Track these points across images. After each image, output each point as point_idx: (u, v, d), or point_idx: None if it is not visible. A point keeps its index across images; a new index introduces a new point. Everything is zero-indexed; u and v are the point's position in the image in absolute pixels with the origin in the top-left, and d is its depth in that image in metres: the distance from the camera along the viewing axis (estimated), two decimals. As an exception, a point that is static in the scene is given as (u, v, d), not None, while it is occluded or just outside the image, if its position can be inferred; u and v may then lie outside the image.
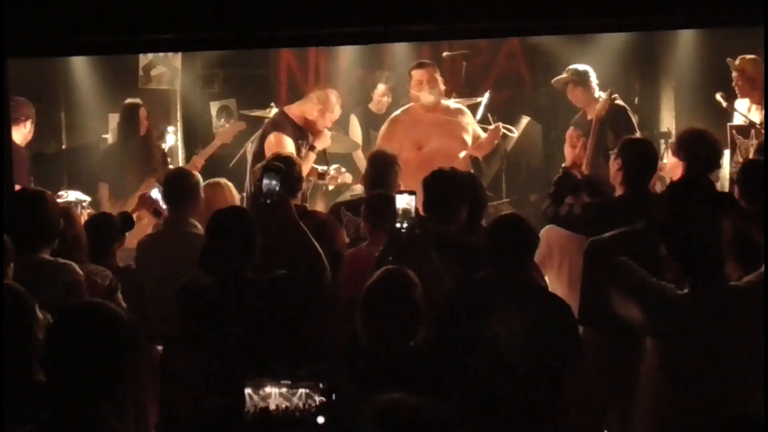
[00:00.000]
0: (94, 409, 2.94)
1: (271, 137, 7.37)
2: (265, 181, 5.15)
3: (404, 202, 4.68)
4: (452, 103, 7.86)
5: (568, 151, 6.41)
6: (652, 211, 4.86)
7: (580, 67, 8.01)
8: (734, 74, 7.91)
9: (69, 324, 2.99)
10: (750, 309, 4.02)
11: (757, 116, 7.74)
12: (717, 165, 6.08)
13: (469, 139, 7.71)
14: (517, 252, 4.57)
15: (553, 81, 8.16)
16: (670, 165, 6.08)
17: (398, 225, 4.67)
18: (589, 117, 7.89)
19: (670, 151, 6.14)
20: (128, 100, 8.63)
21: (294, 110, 7.58)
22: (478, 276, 4.65)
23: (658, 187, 6.20)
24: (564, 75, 7.99)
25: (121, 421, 3.09)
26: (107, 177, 8.21)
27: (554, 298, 4.68)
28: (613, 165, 5.74)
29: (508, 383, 4.31)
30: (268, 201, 5.10)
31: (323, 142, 7.50)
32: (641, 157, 5.67)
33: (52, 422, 2.93)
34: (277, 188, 5.12)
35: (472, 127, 7.78)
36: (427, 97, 7.55)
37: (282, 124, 7.45)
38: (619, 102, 7.84)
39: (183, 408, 4.69)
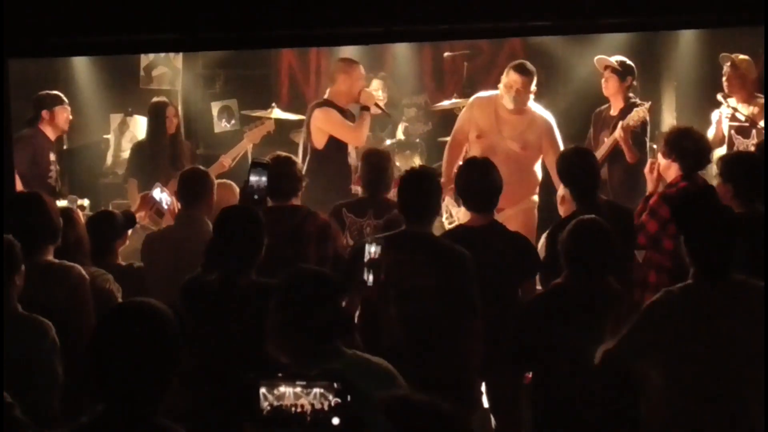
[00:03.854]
0: (149, 408, 2.93)
1: (317, 112, 7.47)
2: (253, 178, 5.14)
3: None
4: (536, 107, 7.59)
5: (649, 177, 6.40)
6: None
7: (629, 62, 8.01)
8: (726, 69, 7.95)
9: (119, 324, 2.96)
10: (751, 304, 4.06)
11: (741, 114, 7.82)
12: (708, 160, 6.13)
13: (534, 149, 7.45)
14: (597, 258, 4.65)
15: (597, 58, 8.11)
16: (663, 166, 6.11)
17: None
18: (612, 112, 7.92)
19: (660, 154, 6.16)
20: (155, 99, 8.74)
21: (330, 94, 7.67)
22: (554, 282, 4.75)
23: (660, 188, 6.21)
24: (610, 60, 7.97)
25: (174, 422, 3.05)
26: (137, 173, 8.28)
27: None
28: (560, 194, 5.86)
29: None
30: (256, 197, 5.10)
31: (369, 99, 7.64)
32: (574, 166, 5.73)
33: (106, 419, 2.90)
34: (265, 184, 5.13)
35: (543, 138, 7.47)
36: (508, 102, 7.39)
37: (326, 103, 7.58)
38: (647, 117, 7.83)
39: (181, 406, 4.69)
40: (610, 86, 7.92)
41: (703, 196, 5.33)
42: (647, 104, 7.69)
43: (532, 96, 7.46)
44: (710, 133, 7.85)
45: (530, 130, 7.43)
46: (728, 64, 7.95)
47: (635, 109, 7.60)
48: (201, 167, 6.42)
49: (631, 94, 7.92)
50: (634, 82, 7.97)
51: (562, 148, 7.44)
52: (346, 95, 7.59)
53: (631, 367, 4.25)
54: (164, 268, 5.68)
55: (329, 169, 7.18)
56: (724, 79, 7.98)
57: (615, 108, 7.92)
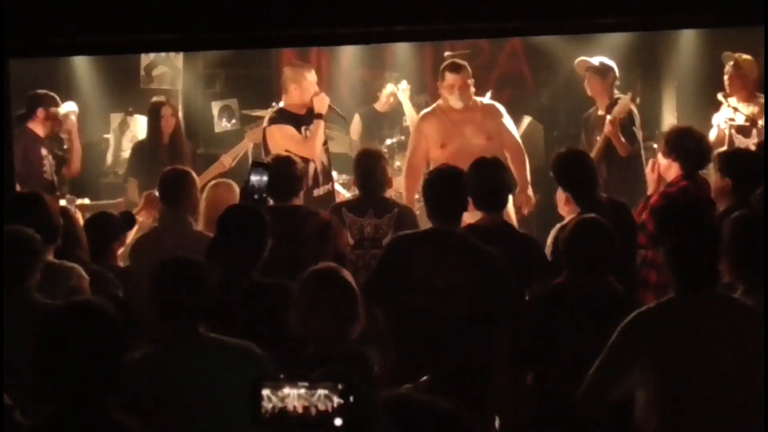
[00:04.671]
0: (100, 403, 2.95)
1: (272, 129, 7.44)
2: (254, 177, 5.14)
3: None
4: (485, 100, 7.76)
5: (649, 177, 6.43)
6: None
7: (609, 61, 8.08)
8: (728, 68, 7.94)
9: (58, 324, 2.98)
10: (735, 319, 3.92)
11: (741, 115, 7.81)
12: (708, 159, 6.13)
13: (497, 136, 7.52)
14: (597, 257, 4.63)
15: (576, 61, 8.17)
16: (664, 166, 6.11)
17: None
18: (599, 112, 7.94)
19: (660, 154, 6.17)
20: (153, 99, 8.74)
21: (285, 103, 7.65)
22: (555, 282, 4.74)
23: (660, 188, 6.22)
24: (590, 60, 8.02)
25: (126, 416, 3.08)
26: (137, 173, 8.28)
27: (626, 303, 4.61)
28: (560, 196, 5.85)
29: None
30: (256, 197, 5.10)
31: (321, 106, 7.52)
32: (569, 169, 5.73)
33: (57, 419, 2.93)
34: (266, 184, 5.12)
35: (501, 124, 7.59)
36: (456, 102, 7.48)
37: (277, 118, 7.53)
38: (632, 107, 7.88)
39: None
40: (593, 86, 8.02)
41: (685, 209, 5.30)
42: (629, 94, 7.74)
43: (472, 89, 7.57)
44: (712, 135, 7.86)
45: (487, 119, 7.55)
46: (731, 63, 7.93)
47: (619, 101, 7.68)
48: (181, 167, 6.40)
49: (615, 91, 7.97)
50: (617, 81, 8.00)
51: (515, 133, 7.67)
52: (299, 104, 7.55)
53: (613, 393, 4.02)
54: (149, 269, 5.66)
55: None
56: (725, 77, 7.96)
57: (602, 107, 7.98)
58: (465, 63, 7.71)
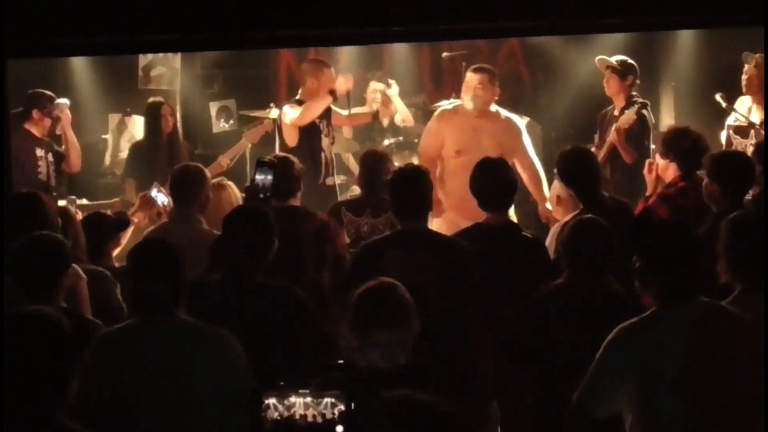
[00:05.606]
0: (45, 409, 2.99)
1: (285, 109, 7.79)
2: (259, 176, 5.13)
3: None
4: (503, 111, 7.63)
5: (647, 178, 6.43)
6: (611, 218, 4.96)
7: (630, 60, 8.04)
8: (748, 68, 7.85)
9: (7, 332, 3.02)
10: (725, 330, 3.81)
11: (756, 117, 7.74)
12: None
13: (511, 153, 7.32)
14: (596, 257, 4.64)
15: (597, 58, 8.15)
16: (661, 167, 6.11)
17: None
18: (615, 112, 7.93)
19: (658, 155, 6.16)
20: (151, 99, 8.76)
21: (302, 95, 7.88)
22: (555, 283, 4.75)
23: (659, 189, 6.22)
24: (610, 60, 8.01)
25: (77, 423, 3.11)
26: (135, 173, 8.28)
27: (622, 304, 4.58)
28: (552, 197, 5.83)
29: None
30: (261, 196, 5.09)
31: (341, 85, 7.92)
32: (573, 167, 5.73)
33: (5, 423, 2.97)
34: (271, 183, 5.12)
35: (519, 142, 7.53)
36: (467, 102, 7.40)
37: (293, 104, 7.85)
38: (644, 111, 7.82)
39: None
40: (611, 86, 7.95)
41: (654, 223, 5.26)
42: (636, 107, 7.68)
43: (495, 97, 7.48)
44: (723, 136, 7.83)
45: (506, 134, 7.49)
46: (752, 63, 7.84)
47: (626, 111, 7.63)
48: (194, 164, 6.40)
49: (634, 93, 7.91)
50: (637, 81, 7.96)
51: (531, 151, 7.61)
52: (316, 95, 7.76)
53: (600, 411, 3.86)
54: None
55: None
56: (744, 77, 7.83)
57: (618, 107, 7.92)
58: (492, 69, 7.63)
